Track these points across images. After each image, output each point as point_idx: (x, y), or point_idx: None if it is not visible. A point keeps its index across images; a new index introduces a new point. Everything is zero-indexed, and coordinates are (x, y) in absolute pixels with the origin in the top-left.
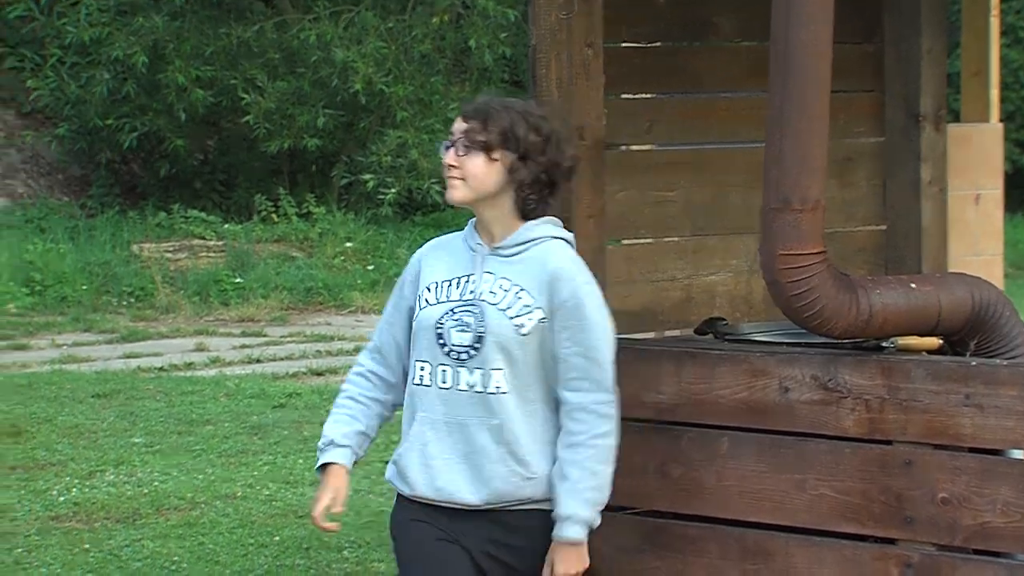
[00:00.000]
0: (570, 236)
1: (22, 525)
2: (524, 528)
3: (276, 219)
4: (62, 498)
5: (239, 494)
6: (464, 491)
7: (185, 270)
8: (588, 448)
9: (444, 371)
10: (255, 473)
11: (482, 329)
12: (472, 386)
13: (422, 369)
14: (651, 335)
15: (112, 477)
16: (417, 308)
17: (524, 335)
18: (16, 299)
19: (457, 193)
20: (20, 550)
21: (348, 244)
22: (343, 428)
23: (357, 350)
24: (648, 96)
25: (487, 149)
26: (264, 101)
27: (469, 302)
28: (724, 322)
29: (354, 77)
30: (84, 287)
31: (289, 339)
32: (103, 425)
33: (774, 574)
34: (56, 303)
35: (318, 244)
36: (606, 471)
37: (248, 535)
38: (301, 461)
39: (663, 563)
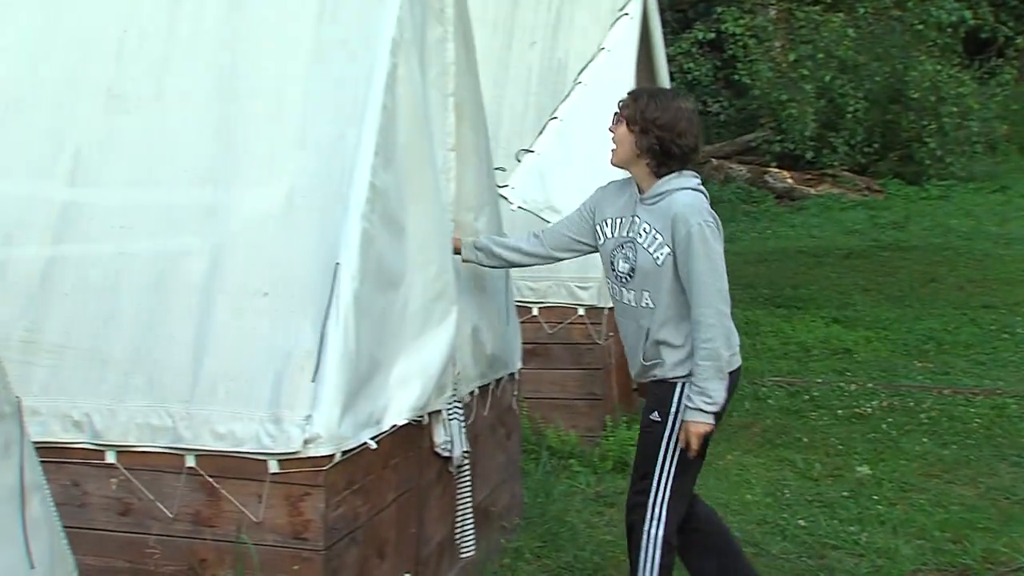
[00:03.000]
0: (696, 183)
1: None
2: (654, 393)
3: None
4: None
5: None
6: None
7: None
8: (698, 351)
9: (618, 289)
10: None
11: (634, 262)
12: (630, 301)
13: (609, 285)
14: None
15: None
16: (599, 237)
17: (659, 265)
18: None
19: (612, 157)
20: None
21: None
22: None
23: None
24: None
25: (627, 123)
26: None
27: (628, 240)
28: None
29: None
30: None
31: None
32: None
33: None
34: None
35: None
36: (707, 369)
37: None
38: None
39: None
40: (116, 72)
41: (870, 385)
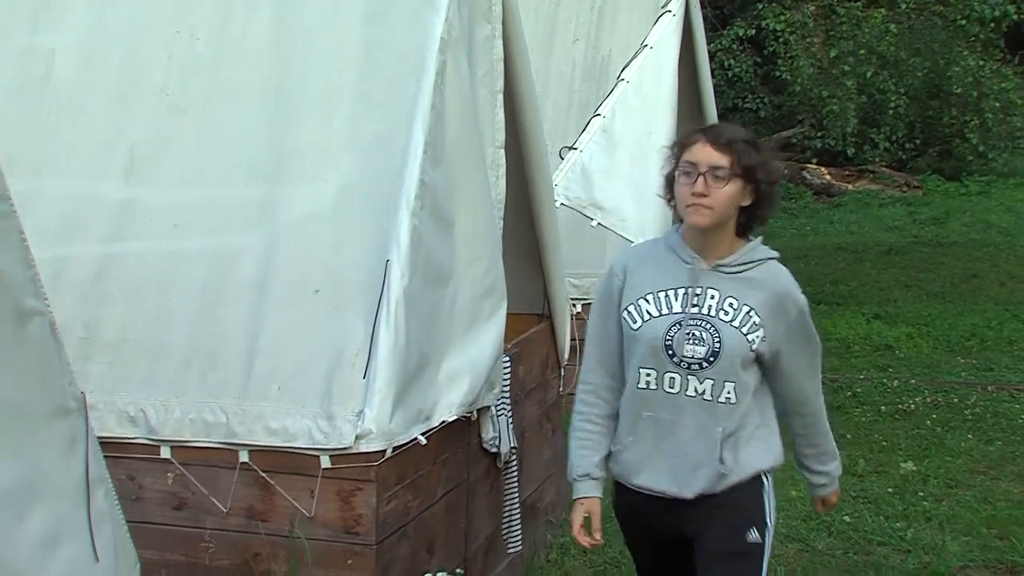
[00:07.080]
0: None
1: None
2: (738, 506)
3: None
4: None
5: None
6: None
7: None
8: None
9: (672, 378)
10: None
11: (718, 345)
12: (701, 393)
13: (648, 375)
14: None
15: None
16: (635, 319)
17: (752, 350)
18: None
19: (704, 219)
20: None
21: None
22: (594, 459)
23: None
24: None
25: (733, 178)
26: None
27: (698, 317)
28: None
29: None
30: None
31: None
32: None
33: None
34: None
35: None
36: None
37: None
38: None
39: None
40: (169, 73)
41: (913, 381)
